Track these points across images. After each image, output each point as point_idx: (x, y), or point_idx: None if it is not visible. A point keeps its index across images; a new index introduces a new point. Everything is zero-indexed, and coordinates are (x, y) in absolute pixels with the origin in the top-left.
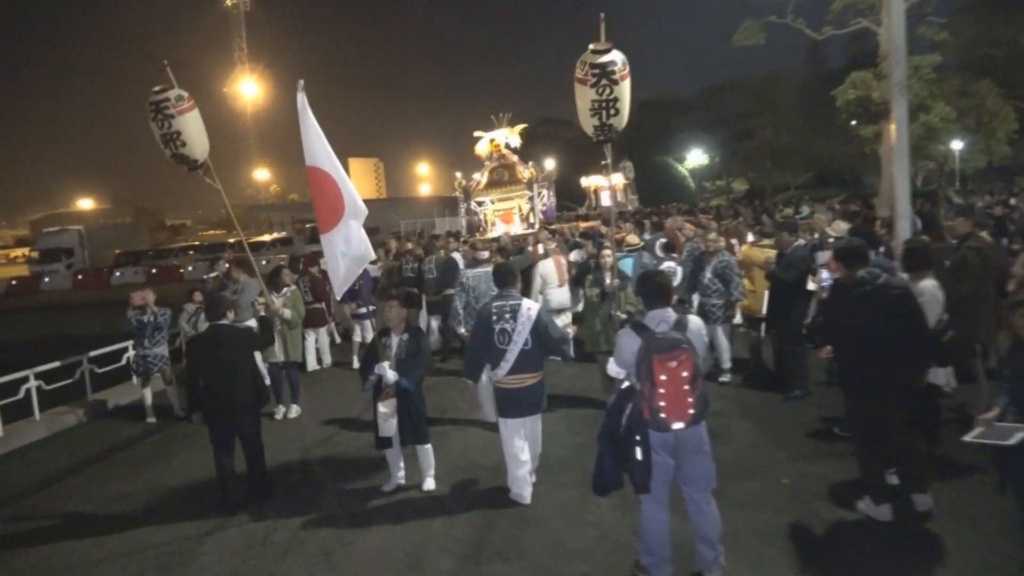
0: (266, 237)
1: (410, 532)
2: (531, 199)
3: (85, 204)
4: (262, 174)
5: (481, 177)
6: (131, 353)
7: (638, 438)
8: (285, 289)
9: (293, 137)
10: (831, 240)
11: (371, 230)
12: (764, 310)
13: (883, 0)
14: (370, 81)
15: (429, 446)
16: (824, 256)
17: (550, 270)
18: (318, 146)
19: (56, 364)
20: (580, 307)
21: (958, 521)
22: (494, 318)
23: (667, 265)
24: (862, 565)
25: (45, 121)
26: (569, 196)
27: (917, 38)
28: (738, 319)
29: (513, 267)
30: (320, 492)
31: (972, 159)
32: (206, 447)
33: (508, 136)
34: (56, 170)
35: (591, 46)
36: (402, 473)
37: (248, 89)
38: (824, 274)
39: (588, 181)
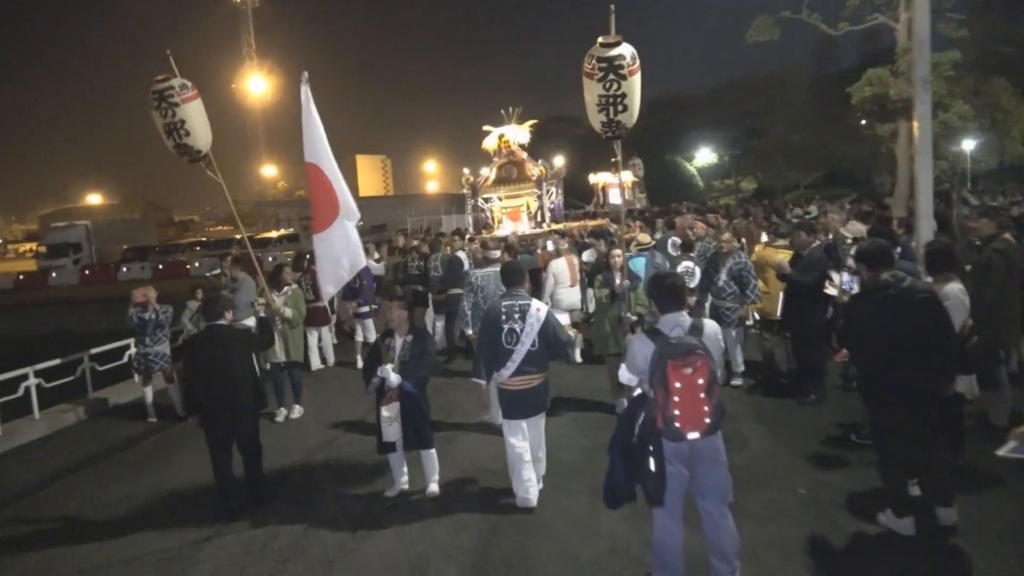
0: (273, 233)
1: (414, 540)
2: (540, 197)
3: (94, 199)
4: (269, 170)
5: (489, 173)
6: (132, 351)
7: (651, 448)
8: (286, 288)
9: (300, 133)
10: (849, 242)
11: (378, 227)
12: (779, 312)
13: None
14: (378, 77)
15: (433, 450)
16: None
17: (562, 269)
18: (318, 143)
19: (57, 362)
20: (591, 308)
21: (984, 536)
22: (503, 317)
23: (684, 265)
24: None
25: (55, 116)
26: (576, 193)
27: (935, 34)
28: (750, 320)
29: (521, 266)
30: (322, 497)
31: (983, 159)
32: (206, 449)
33: (518, 132)
34: (66, 165)
35: (599, 39)
36: (405, 478)
37: (256, 85)
38: (844, 276)
39: (596, 178)
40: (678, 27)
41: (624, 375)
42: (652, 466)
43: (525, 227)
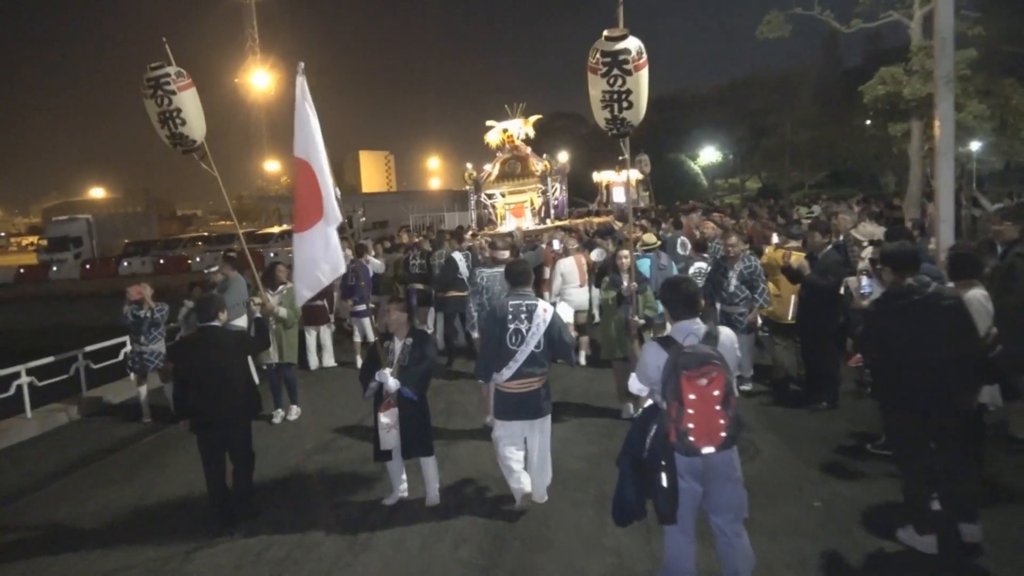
0: (275, 229)
1: (413, 553)
2: (544, 193)
3: (97, 193)
4: (272, 166)
5: (492, 168)
6: (127, 349)
7: (663, 463)
8: (281, 287)
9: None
10: (866, 244)
11: (380, 223)
12: (790, 316)
13: None
14: (382, 73)
15: (433, 457)
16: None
17: (571, 269)
18: (309, 139)
19: (50, 359)
20: (596, 311)
21: (1012, 554)
22: (509, 317)
23: (697, 266)
24: None
25: (60, 110)
26: (580, 192)
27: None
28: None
29: (527, 266)
30: (318, 505)
31: (989, 160)
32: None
33: (522, 127)
34: (70, 159)
35: (605, 32)
36: (404, 485)
37: (259, 80)
38: (864, 280)
39: (600, 176)
40: (683, 25)
41: (634, 385)
42: (664, 482)
43: (529, 223)
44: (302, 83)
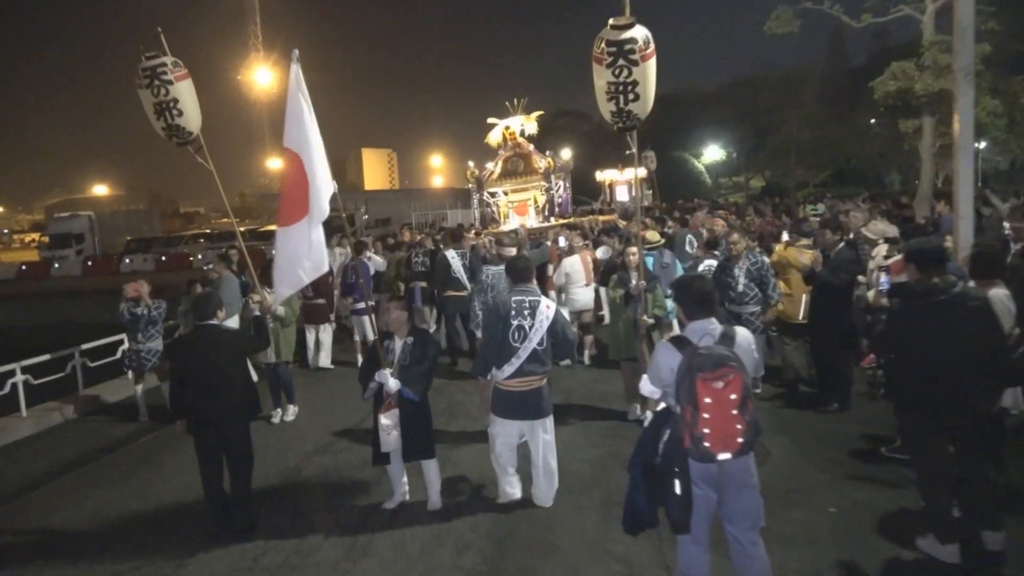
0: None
1: (413, 560)
2: (547, 190)
3: (100, 190)
4: (275, 163)
5: (494, 167)
6: (125, 347)
7: (677, 469)
8: None
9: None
10: (881, 242)
11: (383, 220)
12: (801, 315)
13: None
14: (385, 71)
15: (435, 460)
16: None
17: (576, 268)
18: (301, 130)
19: (46, 357)
20: (604, 311)
21: None
22: (512, 313)
23: (707, 263)
24: None
25: (63, 107)
26: (583, 191)
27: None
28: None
29: (529, 261)
30: (316, 508)
31: (993, 158)
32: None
33: (524, 124)
34: (73, 156)
35: (611, 21)
36: (405, 488)
37: (262, 77)
38: (883, 277)
39: (603, 175)
40: (688, 22)
41: (646, 387)
42: (677, 489)
43: (532, 221)
44: (296, 71)
